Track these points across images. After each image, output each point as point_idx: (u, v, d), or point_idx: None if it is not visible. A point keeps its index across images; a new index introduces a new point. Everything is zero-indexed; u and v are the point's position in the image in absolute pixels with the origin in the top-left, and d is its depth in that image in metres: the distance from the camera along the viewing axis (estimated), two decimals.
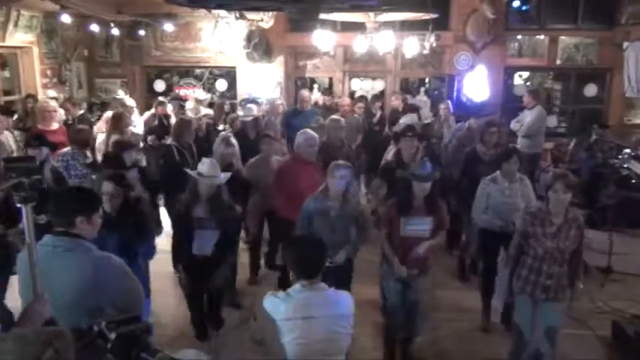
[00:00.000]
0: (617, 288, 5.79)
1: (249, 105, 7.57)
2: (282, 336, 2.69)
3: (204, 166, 4.12)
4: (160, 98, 9.08)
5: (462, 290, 5.74)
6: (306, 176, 4.68)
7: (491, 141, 5.60)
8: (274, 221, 5.51)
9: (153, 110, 8.66)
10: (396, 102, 9.17)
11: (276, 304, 2.74)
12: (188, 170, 4.28)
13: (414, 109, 8.13)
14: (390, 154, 5.76)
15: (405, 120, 7.18)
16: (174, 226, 4.39)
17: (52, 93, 9.12)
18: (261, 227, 5.93)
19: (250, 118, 7.05)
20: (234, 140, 5.30)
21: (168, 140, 6.58)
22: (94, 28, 9.58)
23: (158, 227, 4.97)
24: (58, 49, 9.69)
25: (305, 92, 8.24)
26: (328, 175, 4.05)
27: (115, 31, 9.80)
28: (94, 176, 5.12)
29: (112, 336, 1.69)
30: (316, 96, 9.68)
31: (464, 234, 6.05)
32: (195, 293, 4.32)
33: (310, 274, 2.78)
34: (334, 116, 6.59)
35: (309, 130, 5.25)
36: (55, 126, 6.88)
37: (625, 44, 8.29)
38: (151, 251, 4.38)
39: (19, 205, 2.10)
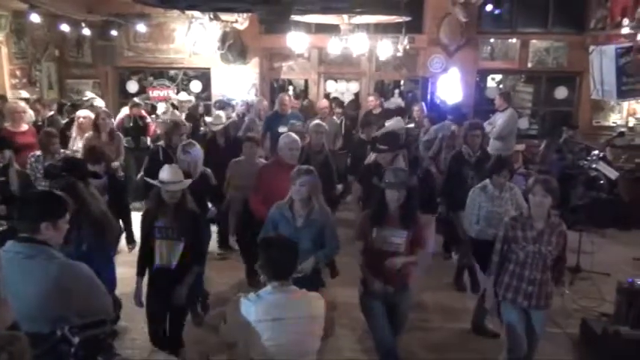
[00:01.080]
0: (585, 286, 5.91)
1: (217, 112, 7.44)
2: (257, 338, 2.68)
3: (165, 172, 3.95)
4: (135, 99, 8.98)
5: (448, 291, 5.83)
6: (287, 179, 4.60)
7: (476, 143, 5.66)
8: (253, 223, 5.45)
9: (127, 111, 8.55)
10: (372, 103, 9.21)
11: (247, 306, 2.73)
12: (148, 179, 4.11)
13: (402, 111, 8.10)
14: (371, 157, 5.70)
15: (390, 124, 7.10)
16: (141, 236, 4.16)
17: (24, 94, 8.94)
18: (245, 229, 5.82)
19: (220, 127, 6.83)
20: (194, 148, 5.05)
21: (160, 142, 6.52)
22: (65, 27, 9.42)
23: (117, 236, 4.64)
24: (28, 49, 9.51)
25: (285, 96, 8.20)
26: (291, 182, 3.92)
27: (87, 31, 9.64)
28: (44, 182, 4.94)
29: (76, 340, 1.66)
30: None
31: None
32: (157, 313, 4.05)
33: (281, 275, 2.78)
34: (317, 121, 6.49)
35: (291, 134, 5.24)
36: (24, 127, 6.73)
37: (590, 48, 8.48)
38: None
39: None
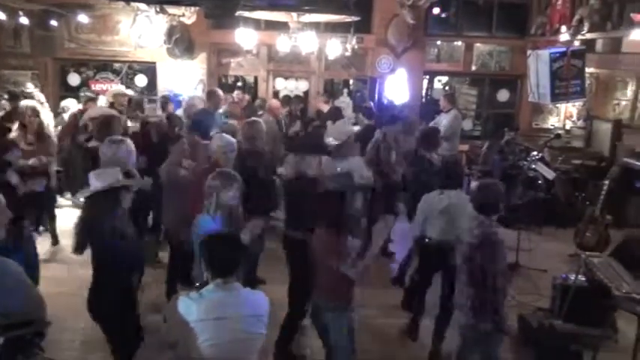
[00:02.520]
0: (523, 282, 6.12)
1: (149, 105, 7.06)
2: (196, 337, 2.63)
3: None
4: (89, 94, 8.59)
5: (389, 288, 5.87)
6: None
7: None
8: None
9: (80, 107, 8.22)
10: (319, 104, 9.22)
11: (188, 305, 2.67)
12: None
13: (370, 111, 7.93)
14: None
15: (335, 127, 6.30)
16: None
17: None
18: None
19: (154, 119, 6.42)
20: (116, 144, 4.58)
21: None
22: (0, 15, 8.94)
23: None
24: None
25: (217, 91, 7.75)
26: (218, 189, 3.61)
27: (24, 20, 9.18)
28: None
29: (0, 340, 1.57)
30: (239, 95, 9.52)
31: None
32: None
33: (224, 273, 2.72)
34: (253, 118, 5.90)
35: (225, 135, 4.90)
36: None
37: (528, 52, 8.81)
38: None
39: None
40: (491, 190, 3.65)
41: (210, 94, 7.46)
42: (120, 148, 4.38)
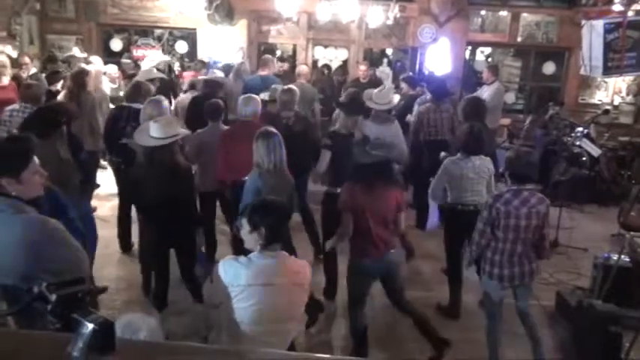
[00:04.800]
0: (562, 260, 6.00)
1: (214, 70, 7.15)
2: (238, 301, 2.68)
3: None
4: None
5: None
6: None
7: None
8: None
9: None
10: (363, 72, 9.09)
11: (237, 269, 2.71)
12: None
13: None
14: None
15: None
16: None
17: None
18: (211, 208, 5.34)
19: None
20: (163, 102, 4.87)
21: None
22: None
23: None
24: (7, 1, 9.16)
25: (272, 58, 7.78)
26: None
27: None
28: None
29: (53, 297, 1.62)
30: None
31: None
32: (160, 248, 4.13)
33: (275, 240, 2.76)
34: (291, 86, 5.85)
35: (249, 94, 5.16)
36: (4, 82, 6.54)
37: (582, 22, 8.44)
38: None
39: None
40: (523, 160, 3.79)
41: (268, 61, 7.53)
42: (163, 105, 4.72)
